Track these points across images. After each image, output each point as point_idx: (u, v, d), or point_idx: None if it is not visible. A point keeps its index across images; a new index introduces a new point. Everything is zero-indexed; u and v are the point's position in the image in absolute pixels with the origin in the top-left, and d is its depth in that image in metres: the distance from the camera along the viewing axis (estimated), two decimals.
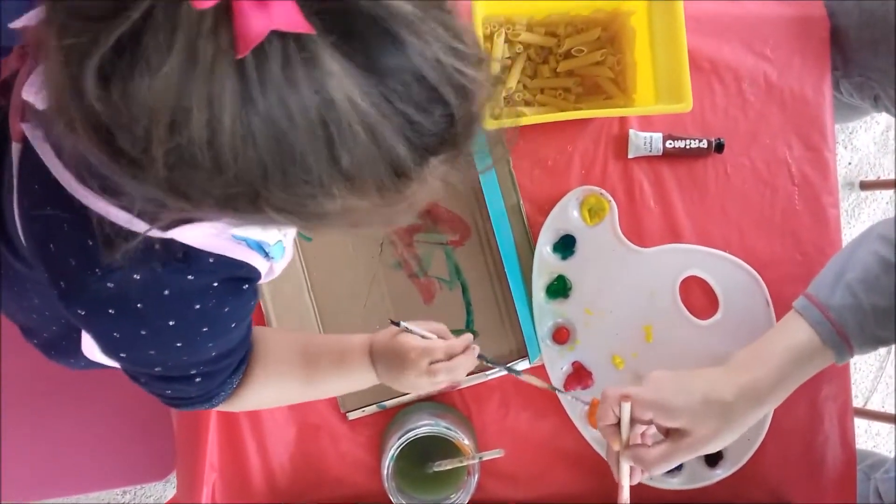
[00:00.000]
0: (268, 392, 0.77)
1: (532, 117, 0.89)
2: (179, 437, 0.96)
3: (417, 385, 0.77)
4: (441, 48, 0.43)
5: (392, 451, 0.83)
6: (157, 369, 0.66)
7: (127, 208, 0.52)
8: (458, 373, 0.76)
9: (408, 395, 0.92)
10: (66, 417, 1.17)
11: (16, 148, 0.58)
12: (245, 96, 0.39)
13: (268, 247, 0.64)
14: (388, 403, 0.92)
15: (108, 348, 0.63)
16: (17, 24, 0.56)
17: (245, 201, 0.43)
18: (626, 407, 0.78)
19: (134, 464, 1.17)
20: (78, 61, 0.39)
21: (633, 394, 0.79)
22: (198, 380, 0.68)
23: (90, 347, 0.68)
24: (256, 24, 0.37)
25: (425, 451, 0.86)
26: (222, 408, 0.76)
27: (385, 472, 0.84)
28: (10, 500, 1.18)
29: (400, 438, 0.83)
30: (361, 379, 0.79)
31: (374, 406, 0.92)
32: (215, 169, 0.41)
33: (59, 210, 0.55)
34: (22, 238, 0.61)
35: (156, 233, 0.52)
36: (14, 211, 0.60)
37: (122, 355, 0.64)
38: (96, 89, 0.39)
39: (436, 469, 0.86)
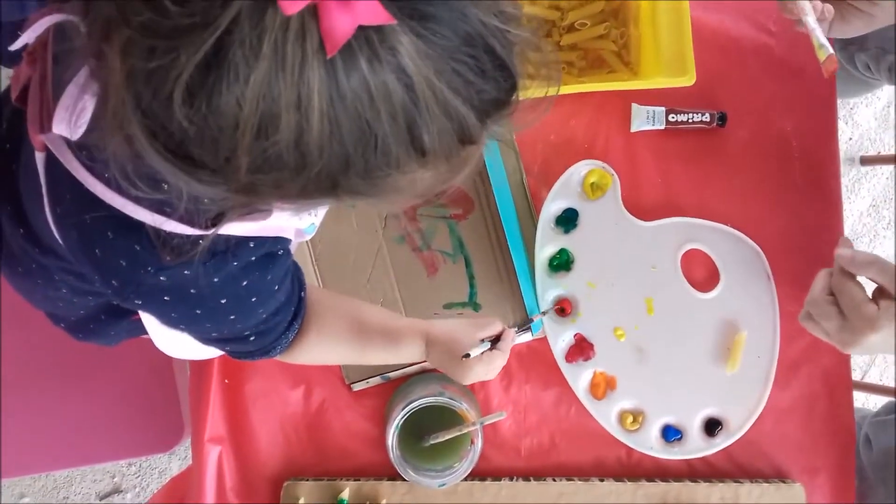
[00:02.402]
0: (320, 351, 0.81)
1: (532, 90, 0.89)
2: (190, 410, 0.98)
3: (477, 376, 0.81)
4: (493, 13, 0.43)
5: (396, 422, 0.84)
6: (213, 335, 0.70)
7: (165, 213, 0.53)
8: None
9: (411, 367, 0.93)
10: (72, 391, 1.18)
11: (39, 157, 0.59)
12: (333, 94, 0.39)
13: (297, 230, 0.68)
14: (392, 375, 0.93)
15: (167, 324, 0.67)
16: (23, 40, 0.54)
17: (321, 191, 0.44)
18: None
19: (140, 436, 1.18)
20: (159, 81, 0.39)
21: None
22: (252, 338, 0.71)
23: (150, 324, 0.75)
24: (342, 22, 0.37)
25: (429, 422, 0.87)
26: (281, 358, 0.79)
27: (390, 441, 0.85)
28: (15, 473, 1.20)
29: (404, 409, 0.84)
30: (410, 357, 0.83)
31: (378, 378, 0.93)
32: (300, 167, 0.41)
33: (99, 218, 0.56)
34: (60, 241, 0.62)
35: (198, 231, 0.54)
36: (45, 215, 0.61)
37: (181, 328, 0.68)
38: (183, 108, 0.39)
39: (432, 442, 0.87)
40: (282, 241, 0.65)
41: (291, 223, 0.66)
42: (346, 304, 0.84)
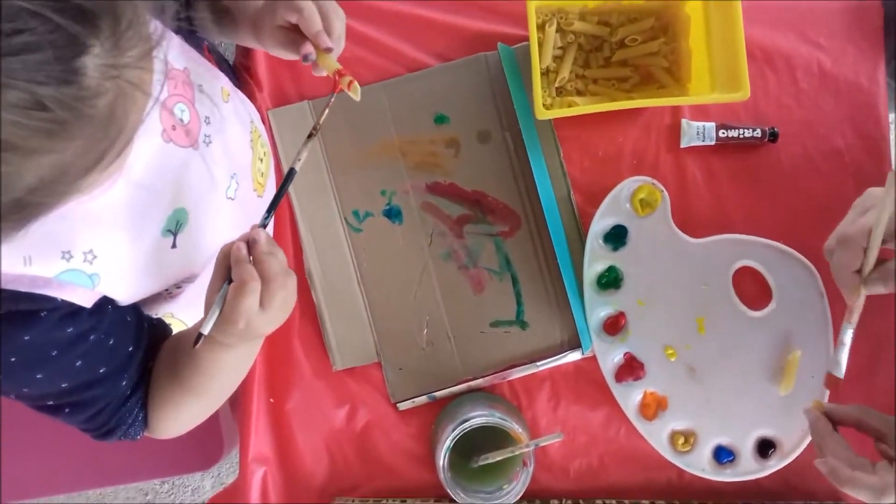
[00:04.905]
0: (172, 418, 0.74)
1: (583, 107, 0.88)
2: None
3: (257, 320, 0.62)
4: None
5: (448, 442, 0.83)
6: (11, 396, 0.65)
7: None
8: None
9: (458, 386, 0.92)
10: None
11: None
12: None
13: (54, 282, 0.59)
14: (439, 394, 0.92)
15: None
16: None
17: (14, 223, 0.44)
18: (891, 179, 0.69)
19: (179, 455, 1.17)
20: None
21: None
22: (66, 410, 0.67)
23: None
24: None
25: (478, 442, 0.85)
26: (151, 435, 0.75)
27: (441, 463, 0.84)
28: (54, 492, 1.19)
29: (455, 429, 0.83)
30: (234, 363, 0.71)
31: (425, 397, 0.92)
32: None
33: None
34: None
35: None
36: None
37: None
38: None
39: (481, 463, 0.85)
40: (34, 302, 0.59)
41: (36, 270, 0.58)
42: (164, 365, 0.74)
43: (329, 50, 0.71)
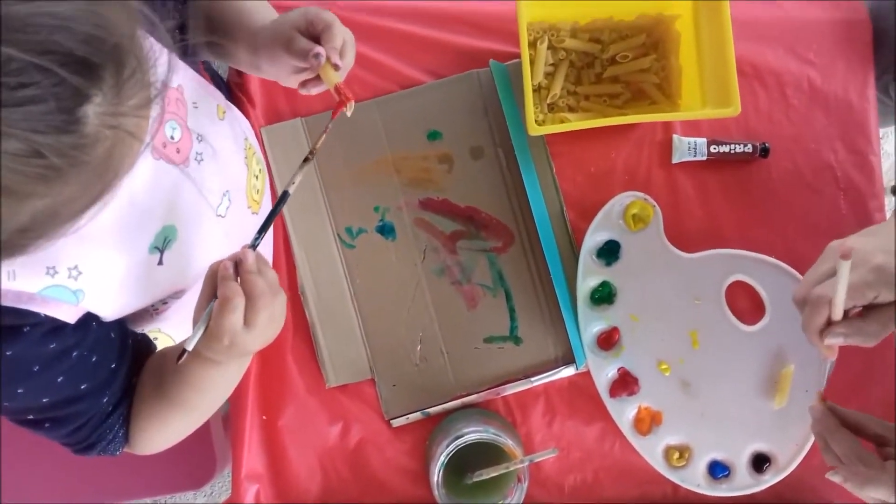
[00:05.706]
0: (158, 440, 0.75)
1: (575, 123, 0.89)
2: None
3: (243, 336, 0.62)
4: None
5: (442, 459, 0.83)
6: None
7: None
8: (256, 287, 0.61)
9: (452, 402, 0.92)
10: None
11: None
12: None
13: (38, 298, 0.59)
14: (432, 410, 0.92)
15: None
16: None
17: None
18: (846, 266, 0.68)
19: (171, 473, 1.16)
20: None
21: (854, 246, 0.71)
22: (47, 425, 0.67)
23: None
24: None
25: (472, 458, 0.85)
26: (132, 450, 0.75)
27: (435, 479, 0.83)
28: None
29: (449, 446, 0.83)
30: (221, 378, 0.70)
31: (419, 413, 0.92)
32: None
33: None
34: None
35: None
36: None
37: None
38: None
39: (476, 479, 0.85)
40: (16, 316, 0.59)
41: (20, 285, 0.58)
42: (149, 378, 0.73)
43: (336, 67, 0.71)
